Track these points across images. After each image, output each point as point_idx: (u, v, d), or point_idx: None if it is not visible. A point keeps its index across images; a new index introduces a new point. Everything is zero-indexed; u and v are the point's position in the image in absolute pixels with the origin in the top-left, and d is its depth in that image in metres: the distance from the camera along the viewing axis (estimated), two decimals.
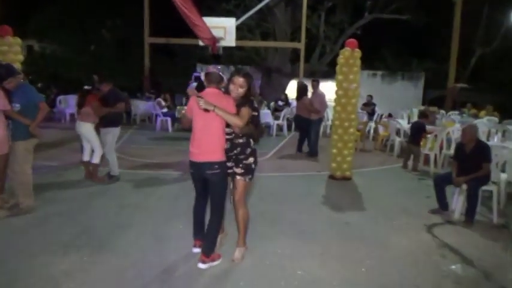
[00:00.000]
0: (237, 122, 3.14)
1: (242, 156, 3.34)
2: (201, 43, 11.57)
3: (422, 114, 8.00)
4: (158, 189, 5.72)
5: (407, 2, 16.62)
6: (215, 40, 10.89)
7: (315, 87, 8.57)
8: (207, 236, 3.41)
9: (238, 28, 13.51)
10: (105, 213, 4.60)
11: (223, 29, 12.06)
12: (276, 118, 11.76)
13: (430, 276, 3.41)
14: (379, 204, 5.42)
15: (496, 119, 10.86)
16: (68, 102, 13.45)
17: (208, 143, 3.24)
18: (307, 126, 8.60)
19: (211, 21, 11.31)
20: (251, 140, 3.35)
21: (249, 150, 3.35)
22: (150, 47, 15.47)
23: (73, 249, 3.61)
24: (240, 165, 3.34)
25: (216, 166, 3.24)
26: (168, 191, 5.61)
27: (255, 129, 3.34)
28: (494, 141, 6.27)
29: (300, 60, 14.61)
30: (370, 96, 13.51)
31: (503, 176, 5.20)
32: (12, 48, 6.44)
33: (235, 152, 3.33)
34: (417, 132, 7.54)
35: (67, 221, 4.31)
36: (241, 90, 3.24)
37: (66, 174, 6.23)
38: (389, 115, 11.62)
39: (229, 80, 3.29)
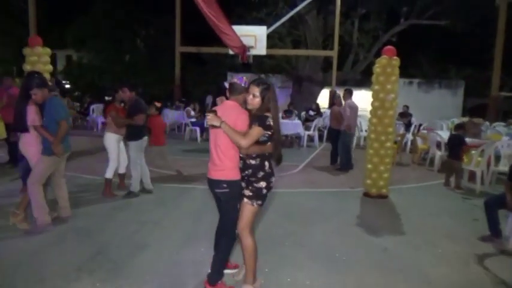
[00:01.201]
0: (239, 141, 2.81)
1: (253, 179, 2.97)
2: (230, 52, 11.37)
3: (458, 126, 7.35)
4: (181, 205, 5.46)
5: (446, 7, 15.82)
6: (245, 48, 10.68)
7: (346, 97, 8.11)
8: (213, 261, 3.10)
9: (269, 36, 13.27)
10: (123, 231, 4.37)
11: (254, 37, 11.85)
12: (307, 128, 11.35)
13: None
14: (419, 227, 4.91)
15: None
16: (101, 111, 13.63)
17: (218, 160, 2.98)
18: (336, 137, 8.17)
19: (241, 30, 11.12)
20: (266, 163, 2.98)
21: (261, 174, 2.97)
22: (181, 56, 15.51)
23: (86, 273, 3.36)
24: (250, 188, 2.98)
25: (225, 185, 2.96)
26: (192, 208, 5.33)
27: (274, 150, 2.98)
28: None
29: (332, 68, 14.14)
30: (407, 107, 12.88)
31: None
32: (41, 59, 6.42)
33: (246, 172, 2.98)
34: (456, 146, 6.92)
35: (83, 240, 4.10)
36: (256, 101, 2.91)
37: (89, 187, 6.10)
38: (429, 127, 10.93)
39: (247, 90, 2.98)
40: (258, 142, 2.90)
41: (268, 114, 2.91)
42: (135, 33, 22.50)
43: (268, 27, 12.67)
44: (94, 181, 6.38)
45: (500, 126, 11.24)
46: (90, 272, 3.39)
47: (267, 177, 2.99)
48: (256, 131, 2.85)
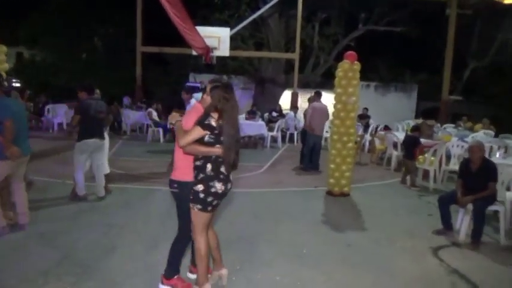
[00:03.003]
0: (178, 140, 2.81)
1: (194, 181, 2.89)
2: (194, 52, 11.34)
3: (415, 128, 7.83)
4: (148, 207, 5.41)
5: (401, 15, 16.64)
6: (208, 50, 10.70)
7: (313, 99, 8.33)
8: (168, 255, 3.14)
9: (232, 38, 13.35)
10: (89, 234, 4.27)
11: (217, 38, 11.90)
12: (270, 130, 11.53)
13: None
14: (380, 223, 5.19)
15: (492, 133, 10.76)
16: (57, 111, 13.09)
17: (175, 159, 3.02)
18: (304, 138, 8.37)
19: (205, 31, 11.13)
20: (209, 165, 2.82)
21: (200, 176, 2.83)
22: (143, 56, 15.21)
23: (54, 278, 3.28)
24: (192, 190, 2.90)
25: (175, 185, 2.99)
26: (159, 209, 5.29)
27: (225, 154, 2.81)
28: (497, 157, 6.09)
29: (294, 70, 14.45)
30: (366, 109, 13.40)
31: (509, 195, 4.99)
32: None
33: (194, 174, 2.91)
34: (411, 147, 7.36)
35: (48, 244, 3.97)
36: (208, 100, 2.89)
37: (50, 190, 5.89)
38: (386, 127, 11.43)
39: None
40: (203, 143, 2.81)
41: (213, 114, 2.82)
42: (93, 31, 21.73)
43: (231, 29, 12.75)
44: (54, 184, 6.17)
45: (450, 127, 11.97)
46: (58, 276, 3.32)
47: (206, 181, 2.83)
48: (193, 130, 2.77)
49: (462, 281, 3.62)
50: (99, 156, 5.48)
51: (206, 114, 2.83)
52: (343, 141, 6.26)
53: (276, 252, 4.03)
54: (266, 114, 13.35)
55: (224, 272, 3.23)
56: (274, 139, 11.37)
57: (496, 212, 4.72)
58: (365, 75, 18.36)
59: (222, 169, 2.87)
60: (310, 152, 8.13)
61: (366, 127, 12.01)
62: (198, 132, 2.77)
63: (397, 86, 19.75)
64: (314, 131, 8.02)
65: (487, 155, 6.40)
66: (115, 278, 3.34)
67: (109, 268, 3.52)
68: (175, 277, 3.15)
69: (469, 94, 18.73)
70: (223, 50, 12.36)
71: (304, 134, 8.63)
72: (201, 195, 2.84)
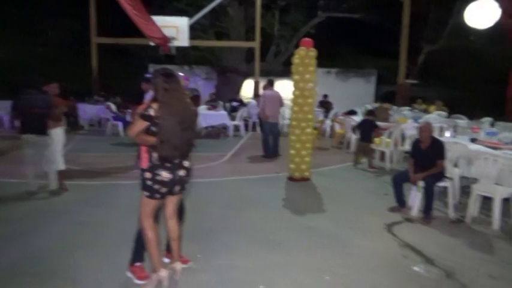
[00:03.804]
0: (127, 131, 2.92)
1: (144, 169, 2.95)
2: (151, 43, 11.09)
3: (369, 112, 8.12)
4: (110, 202, 5.30)
5: (360, 1, 16.98)
6: (166, 40, 10.49)
7: (265, 87, 8.41)
8: (134, 243, 3.22)
9: (192, 28, 13.15)
10: (50, 234, 4.14)
11: (175, 28, 11.67)
12: (233, 119, 11.54)
13: (394, 280, 3.34)
14: (339, 204, 5.36)
15: (445, 114, 11.28)
16: (8, 108, 12.42)
17: (140, 151, 3.08)
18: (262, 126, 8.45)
19: (162, 21, 10.92)
20: (155, 154, 2.87)
21: (149, 164, 2.92)
22: (99, 48, 14.70)
23: (16, 280, 3.17)
24: (142, 178, 2.97)
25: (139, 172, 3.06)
26: (121, 203, 5.20)
27: (159, 146, 2.81)
28: (446, 136, 6.42)
29: (255, 59, 14.47)
30: (326, 95, 13.65)
31: (457, 171, 5.29)
32: None
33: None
34: (368, 130, 7.64)
35: (9, 245, 3.83)
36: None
37: (8, 189, 5.63)
38: (350, 112, 11.62)
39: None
40: (149, 133, 2.84)
41: (153, 104, 2.83)
42: (48, 24, 20.70)
43: (190, 19, 12.54)
44: (9, 184, 5.91)
45: (406, 110, 12.44)
46: (21, 277, 3.21)
47: (152, 169, 2.89)
48: (136, 122, 2.87)
49: (413, 253, 3.83)
50: (46, 152, 5.34)
51: (148, 105, 2.86)
52: (302, 127, 6.37)
53: (238, 239, 4.08)
54: (228, 104, 13.32)
55: (178, 266, 3.19)
56: (237, 128, 11.39)
57: (445, 188, 4.98)
58: (326, 62, 18.79)
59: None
60: (267, 139, 8.22)
61: (327, 113, 12.26)
62: (140, 123, 2.84)
63: (357, 72, 20.22)
64: (268, 119, 8.07)
65: (438, 135, 6.76)
66: (78, 276, 3.27)
67: (72, 266, 3.44)
68: (137, 264, 3.17)
69: (424, 77, 19.46)
70: (183, 40, 12.16)
71: (261, 122, 8.72)
72: (148, 183, 2.91)
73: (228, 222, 4.58)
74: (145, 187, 2.93)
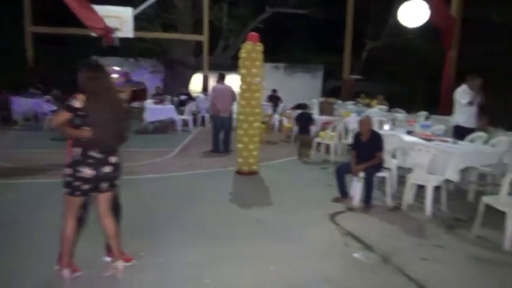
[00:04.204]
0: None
1: (66, 164, 2.89)
2: (93, 34, 10.58)
3: (303, 106, 8.71)
4: (44, 200, 5.01)
5: None
6: (109, 30, 10.06)
7: (217, 81, 8.37)
8: None
9: (137, 18, 12.71)
10: None
11: (119, 19, 11.21)
12: (181, 113, 11.35)
13: (337, 267, 3.48)
14: (285, 196, 5.48)
15: (386, 108, 11.88)
16: None
17: None
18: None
19: (104, 10, 10.47)
20: (77, 149, 2.82)
21: (69, 160, 2.85)
22: (35, 37, 13.75)
23: None
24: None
25: None
26: (54, 202, 4.93)
27: (93, 138, 2.76)
28: (385, 129, 6.77)
29: (203, 52, 14.31)
30: (274, 90, 13.82)
31: (394, 162, 5.61)
32: None
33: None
34: (305, 122, 7.94)
35: None
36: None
37: None
38: (299, 107, 11.78)
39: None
40: (73, 126, 2.79)
41: (78, 95, 2.77)
42: None
43: (134, 9, 12.11)
44: None
45: (350, 104, 12.94)
46: None
47: (74, 165, 2.82)
48: (60, 113, 2.84)
49: (354, 241, 4.01)
50: None
51: (71, 97, 2.79)
52: (249, 121, 6.41)
53: (183, 234, 4.04)
54: (176, 98, 13.08)
55: (120, 264, 3.10)
56: (185, 123, 11.22)
57: (384, 178, 5.26)
58: (274, 57, 19.01)
59: (93, 153, 2.82)
60: (218, 134, 8.19)
61: (275, 107, 12.43)
62: (63, 114, 2.77)
63: (305, 67, 20.68)
64: (218, 113, 8.04)
65: (378, 128, 7.09)
66: (9, 278, 3.07)
67: (6, 267, 3.22)
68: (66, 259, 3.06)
69: (367, 73, 20.34)
70: (127, 31, 11.74)
71: (212, 116, 8.64)
72: (69, 179, 2.84)
73: (174, 217, 4.52)
74: (65, 184, 2.84)
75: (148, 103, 10.83)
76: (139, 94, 14.11)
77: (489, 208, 4.06)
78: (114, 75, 3.15)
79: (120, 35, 11.52)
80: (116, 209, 3.24)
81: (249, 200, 5.31)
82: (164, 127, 10.77)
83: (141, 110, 10.63)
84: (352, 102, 13.65)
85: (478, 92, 6.45)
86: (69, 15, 10.14)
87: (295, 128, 9.11)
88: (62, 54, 19.08)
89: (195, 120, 11.75)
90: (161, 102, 10.84)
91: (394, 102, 12.90)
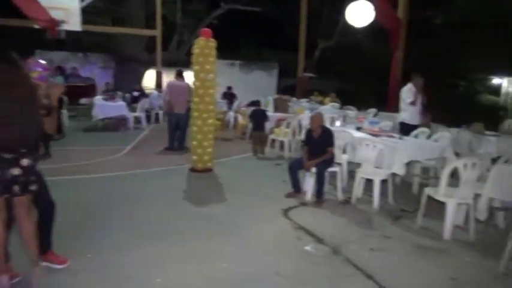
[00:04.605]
0: None
1: None
2: (36, 26, 9.98)
3: (255, 103, 8.80)
4: None
5: None
6: (55, 23, 9.54)
7: (175, 77, 8.21)
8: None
9: (86, 11, 12.15)
10: None
11: (64, 10, 10.65)
12: (133, 110, 11.01)
13: (289, 260, 3.53)
14: (239, 193, 5.48)
15: (338, 105, 12.22)
16: None
17: None
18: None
19: (49, 1, 9.89)
20: None
21: None
22: None
23: None
24: None
25: None
26: None
27: None
28: (336, 125, 6.97)
29: (157, 48, 13.97)
30: (229, 87, 13.79)
31: (345, 157, 5.79)
32: None
33: None
34: (260, 120, 8.07)
35: None
36: None
37: None
38: (253, 103, 11.77)
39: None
40: None
41: None
42: None
43: (82, 1, 11.57)
44: None
45: (304, 102, 13.18)
46: None
47: None
48: None
49: (306, 235, 4.09)
50: None
51: None
52: (203, 118, 6.35)
53: (134, 234, 3.93)
54: (128, 95, 12.67)
55: (36, 271, 2.87)
56: (138, 120, 10.90)
57: (335, 173, 5.40)
58: (230, 54, 18.95)
59: (1, 153, 2.59)
60: (173, 131, 8.04)
61: (230, 104, 12.41)
62: None
63: (260, 65, 20.81)
64: (173, 110, 7.90)
65: (330, 124, 7.29)
66: None
67: None
68: (49, 252, 3.03)
69: (320, 71, 20.85)
70: (74, 24, 11.18)
71: (167, 113, 8.47)
72: None
73: (123, 217, 4.38)
74: None
75: (98, 99, 10.41)
76: (88, 90, 13.58)
77: (431, 199, 4.31)
78: (38, 69, 2.95)
79: (66, 28, 10.96)
80: (45, 209, 3.04)
81: (202, 197, 5.27)
82: (115, 125, 10.40)
83: (90, 106, 10.20)
84: (306, 99, 13.91)
85: (421, 91, 6.81)
86: (8, 5, 9.50)
87: (250, 125, 9.16)
88: (1, 48, 17.85)
89: (148, 118, 11.45)
90: (112, 98, 10.45)
91: (346, 100, 13.32)
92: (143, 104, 11.29)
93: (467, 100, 16.52)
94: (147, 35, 15.74)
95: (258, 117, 8.02)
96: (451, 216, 4.08)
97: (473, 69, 16.16)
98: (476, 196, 4.21)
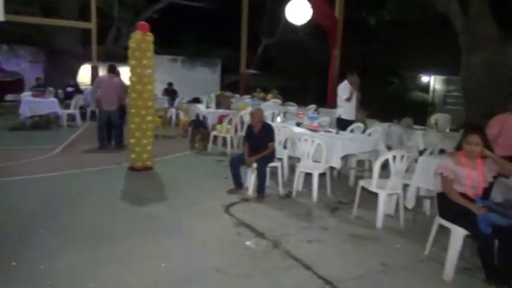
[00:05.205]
0: None
1: None
2: None
3: (195, 100, 8.85)
4: None
5: None
6: None
7: (107, 72, 7.86)
8: None
9: (10, 0, 11.17)
10: None
11: None
12: (67, 107, 10.38)
13: (229, 256, 3.52)
14: (180, 191, 5.39)
15: (280, 101, 12.44)
16: None
17: None
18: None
19: None
20: None
21: None
22: None
23: None
24: None
25: None
26: None
27: None
28: (277, 121, 7.08)
29: (92, 41, 13.25)
30: (170, 83, 13.50)
31: (285, 152, 5.90)
32: None
33: None
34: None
35: None
36: None
37: None
38: (194, 100, 11.61)
39: None
40: None
41: None
42: None
43: None
44: None
45: (247, 98, 13.25)
46: None
47: None
48: None
49: (247, 230, 4.12)
50: None
51: None
52: (141, 115, 6.13)
53: (67, 238, 3.71)
54: (60, 90, 11.91)
55: None
56: (72, 117, 10.29)
57: (276, 168, 5.49)
58: (172, 49, 18.52)
59: None
60: (102, 129, 7.70)
61: (172, 101, 12.14)
62: None
63: (203, 61, 20.57)
64: (102, 106, 7.58)
65: (271, 120, 7.39)
66: None
67: None
68: None
69: (263, 68, 21.07)
70: None
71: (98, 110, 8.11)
72: None
73: (54, 220, 4.12)
74: None
75: (25, 96, 9.67)
76: (14, 85, 12.57)
77: (365, 190, 4.53)
78: None
79: None
80: None
81: (141, 196, 5.10)
82: (46, 123, 9.72)
83: (18, 103, 9.45)
84: (249, 96, 13.99)
85: (356, 87, 7.13)
86: None
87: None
88: None
89: (83, 115, 10.85)
90: (41, 94, 9.76)
91: (288, 97, 13.58)
92: (77, 100, 10.67)
93: (400, 97, 17.61)
94: (81, 28, 14.86)
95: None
96: (383, 206, 4.32)
97: (405, 67, 17.25)
98: (405, 186, 4.52)
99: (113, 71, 7.81)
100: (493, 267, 3.07)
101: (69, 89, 11.72)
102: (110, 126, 7.78)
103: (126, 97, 8.13)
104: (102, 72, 13.84)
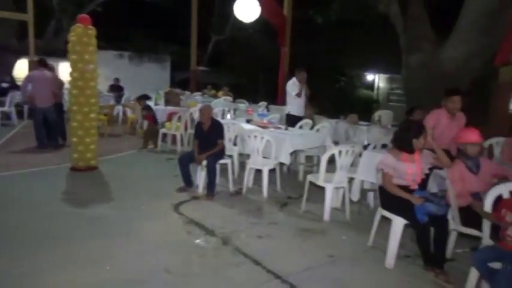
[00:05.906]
0: None
1: None
2: None
3: (143, 97, 8.73)
4: None
5: None
6: None
7: (34, 67, 7.44)
8: None
9: None
10: None
11: None
12: (1, 104, 9.66)
13: (178, 256, 3.46)
14: (128, 191, 5.21)
15: (231, 98, 12.41)
16: None
17: None
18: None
19: None
20: None
21: None
22: None
23: None
24: None
25: None
26: None
27: None
28: (227, 118, 7.06)
29: (29, 35, 12.41)
30: (117, 79, 13.02)
31: (235, 149, 5.90)
32: None
33: None
34: (149, 112, 8.04)
35: None
36: None
37: None
38: (143, 97, 11.24)
39: None
40: None
41: None
42: None
43: None
44: None
45: (197, 95, 13.09)
46: None
47: None
48: None
49: (196, 228, 4.07)
50: None
51: None
52: (84, 112, 5.85)
53: (13, 245, 3.46)
54: None
55: None
56: (7, 115, 9.58)
57: (226, 165, 5.47)
58: (118, 44, 17.83)
59: None
60: (39, 127, 7.28)
61: (118, 98, 11.71)
62: None
63: (151, 57, 20.02)
64: (35, 103, 7.18)
65: (221, 117, 7.35)
66: None
67: None
68: None
69: (214, 65, 20.92)
70: None
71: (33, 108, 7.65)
72: None
73: None
74: None
75: None
76: None
77: (313, 185, 4.64)
78: None
79: None
80: None
81: (85, 198, 4.86)
82: None
83: None
84: (199, 93, 13.83)
85: (304, 84, 7.27)
86: None
87: (140, 120, 8.78)
88: None
89: (20, 113, 10.15)
90: None
91: (239, 94, 13.60)
92: (13, 97, 9.96)
93: (347, 94, 18.27)
94: (15, 19, 13.86)
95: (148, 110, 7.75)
96: (330, 199, 4.45)
97: (351, 65, 17.91)
98: (351, 180, 4.69)
99: (44, 65, 7.36)
100: (429, 253, 3.28)
101: (4, 85, 10.91)
102: (48, 125, 7.34)
103: (61, 93, 7.74)
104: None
